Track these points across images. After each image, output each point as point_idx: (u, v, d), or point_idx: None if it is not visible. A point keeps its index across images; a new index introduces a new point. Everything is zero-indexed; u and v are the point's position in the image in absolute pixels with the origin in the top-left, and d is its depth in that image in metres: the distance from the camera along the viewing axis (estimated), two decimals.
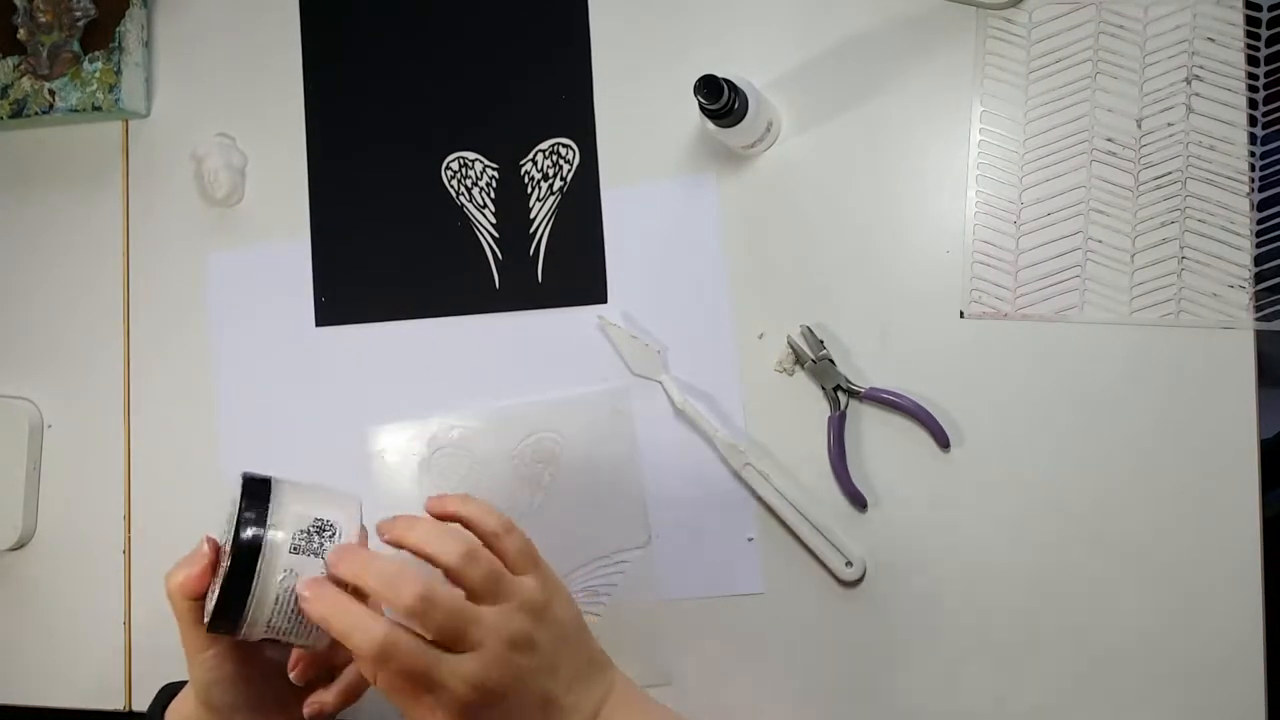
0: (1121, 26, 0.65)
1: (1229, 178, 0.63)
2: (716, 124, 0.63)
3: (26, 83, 0.79)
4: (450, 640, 0.48)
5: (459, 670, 0.48)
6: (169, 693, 0.62)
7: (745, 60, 0.70)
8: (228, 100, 0.79)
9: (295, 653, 0.54)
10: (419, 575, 0.48)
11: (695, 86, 0.60)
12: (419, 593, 0.47)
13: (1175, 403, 0.63)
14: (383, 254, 0.76)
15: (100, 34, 0.79)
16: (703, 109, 0.62)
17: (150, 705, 0.63)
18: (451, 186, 0.75)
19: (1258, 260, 0.63)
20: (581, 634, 0.55)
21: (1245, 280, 0.63)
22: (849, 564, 0.66)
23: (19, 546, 0.80)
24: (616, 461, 0.71)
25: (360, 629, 0.47)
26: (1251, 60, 0.63)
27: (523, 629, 0.50)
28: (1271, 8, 0.63)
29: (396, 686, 0.48)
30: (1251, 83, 0.63)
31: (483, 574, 0.50)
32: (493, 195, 0.74)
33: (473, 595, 0.50)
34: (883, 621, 0.66)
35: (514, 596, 0.51)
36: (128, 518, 0.79)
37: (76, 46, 0.79)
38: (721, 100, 0.60)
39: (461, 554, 0.50)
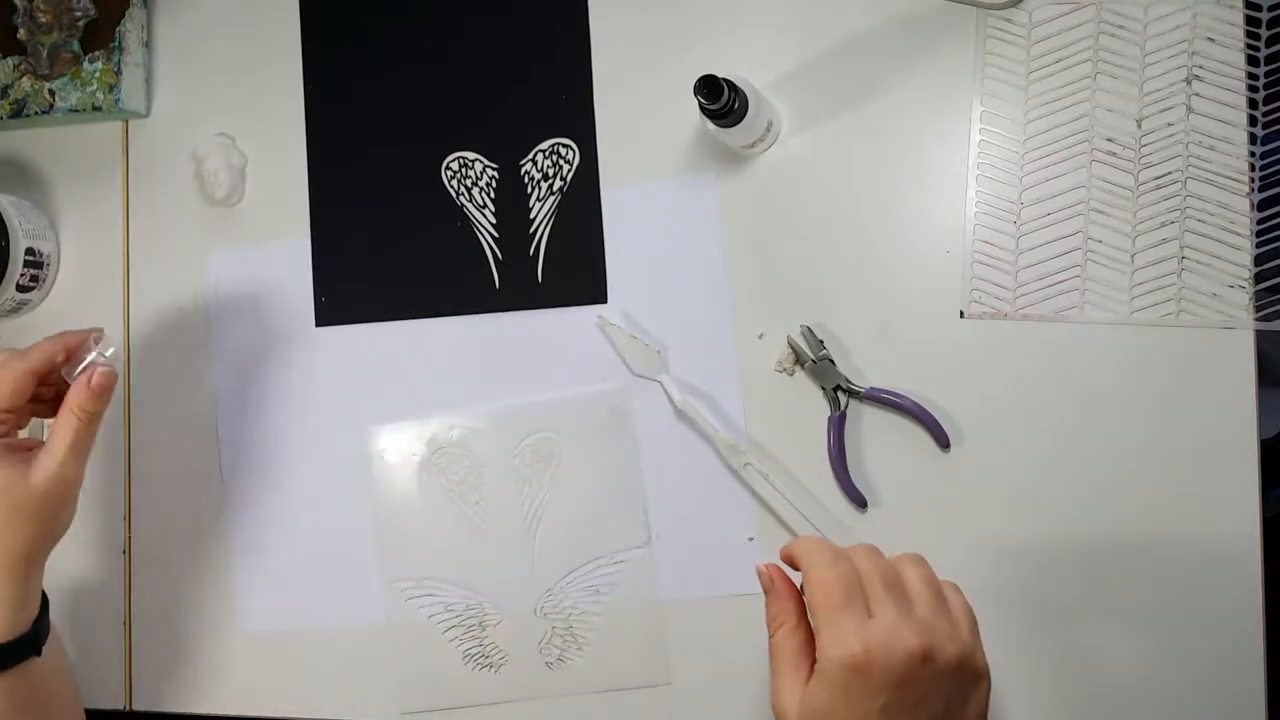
0: (1121, 26, 0.65)
1: (1229, 178, 0.63)
2: (716, 124, 0.63)
3: (26, 83, 0.79)
4: (878, 593, 0.47)
5: (862, 623, 0.45)
6: None
7: (745, 60, 0.70)
8: (228, 100, 0.79)
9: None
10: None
11: (695, 86, 0.60)
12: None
13: (1175, 403, 0.63)
14: (383, 254, 0.76)
15: (100, 34, 0.79)
16: (703, 109, 0.62)
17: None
18: (451, 186, 0.75)
19: (1258, 260, 0.63)
20: None
21: (1245, 280, 0.63)
22: None
23: None
24: (616, 461, 0.71)
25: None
26: (1251, 60, 0.63)
27: (949, 649, 0.46)
28: (1271, 8, 0.63)
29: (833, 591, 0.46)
30: (1251, 83, 0.63)
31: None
32: (493, 195, 0.74)
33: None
34: None
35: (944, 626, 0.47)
36: (128, 518, 0.79)
37: (76, 46, 0.79)
38: (721, 100, 0.60)
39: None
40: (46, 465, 0.59)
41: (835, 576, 0.47)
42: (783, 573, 0.50)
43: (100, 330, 0.63)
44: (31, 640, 0.60)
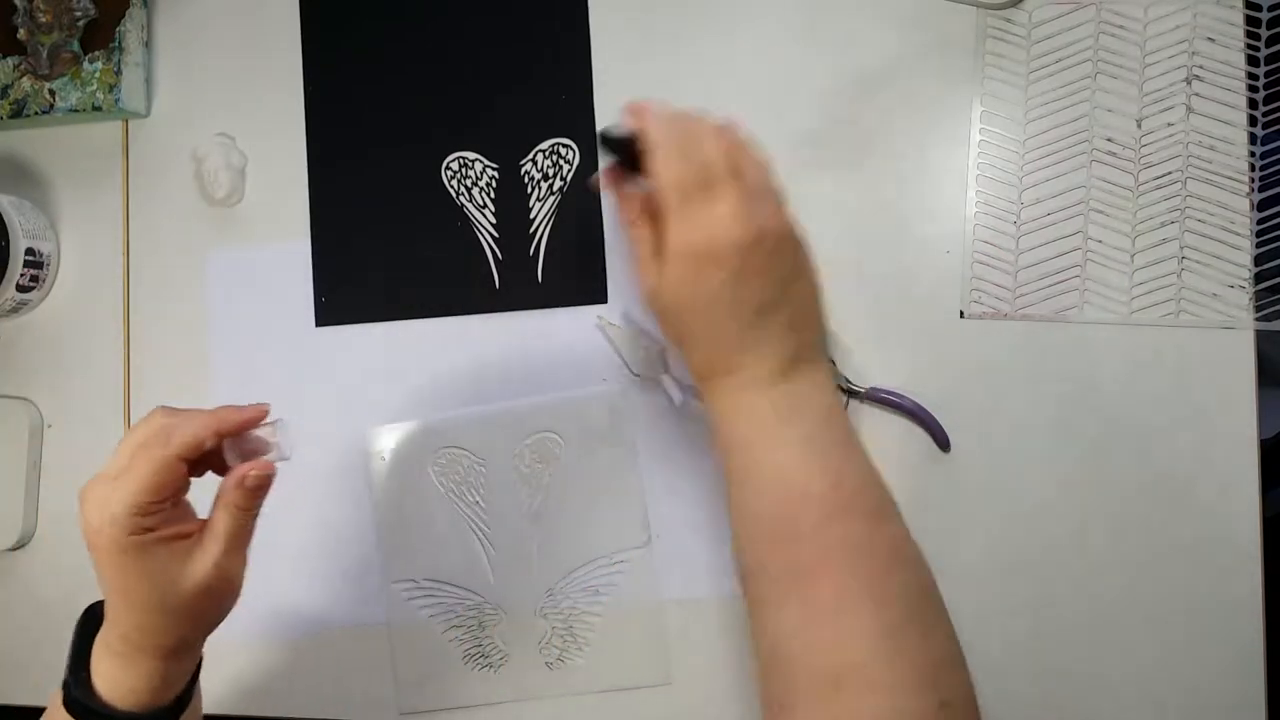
0: (1121, 26, 0.65)
1: (1229, 178, 0.63)
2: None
3: (26, 83, 0.79)
4: (722, 173, 0.52)
5: (711, 210, 0.51)
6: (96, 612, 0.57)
7: (745, 61, 0.70)
8: (228, 100, 0.79)
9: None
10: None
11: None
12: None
13: (1175, 403, 0.63)
14: (383, 254, 0.76)
15: (100, 34, 0.79)
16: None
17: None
18: (451, 186, 0.75)
19: (1258, 260, 0.63)
20: (817, 289, 0.56)
21: (1245, 280, 0.63)
22: None
23: (19, 546, 0.80)
24: (616, 461, 0.71)
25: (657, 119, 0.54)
26: (1251, 60, 0.63)
27: (781, 223, 0.53)
28: (1271, 8, 0.63)
29: (686, 178, 0.52)
30: (1251, 83, 0.63)
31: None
32: (493, 195, 0.74)
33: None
34: None
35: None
36: None
37: (76, 46, 0.79)
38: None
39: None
40: (202, 563, 0.53)
41: (685, 170, 0.52)
42: (620, 176, 0.57)
43: (265, 410, 0.54)
44: (169, 713, 0.55)
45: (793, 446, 0.51)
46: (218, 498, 0.54)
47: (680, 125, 0.54)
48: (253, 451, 0.54)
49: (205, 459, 0.54)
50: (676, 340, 0.55)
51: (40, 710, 0.56)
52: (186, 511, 0.55)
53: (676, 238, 0.51)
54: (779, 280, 0.52)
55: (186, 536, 0.53)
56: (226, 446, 0.53)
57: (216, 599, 0.54)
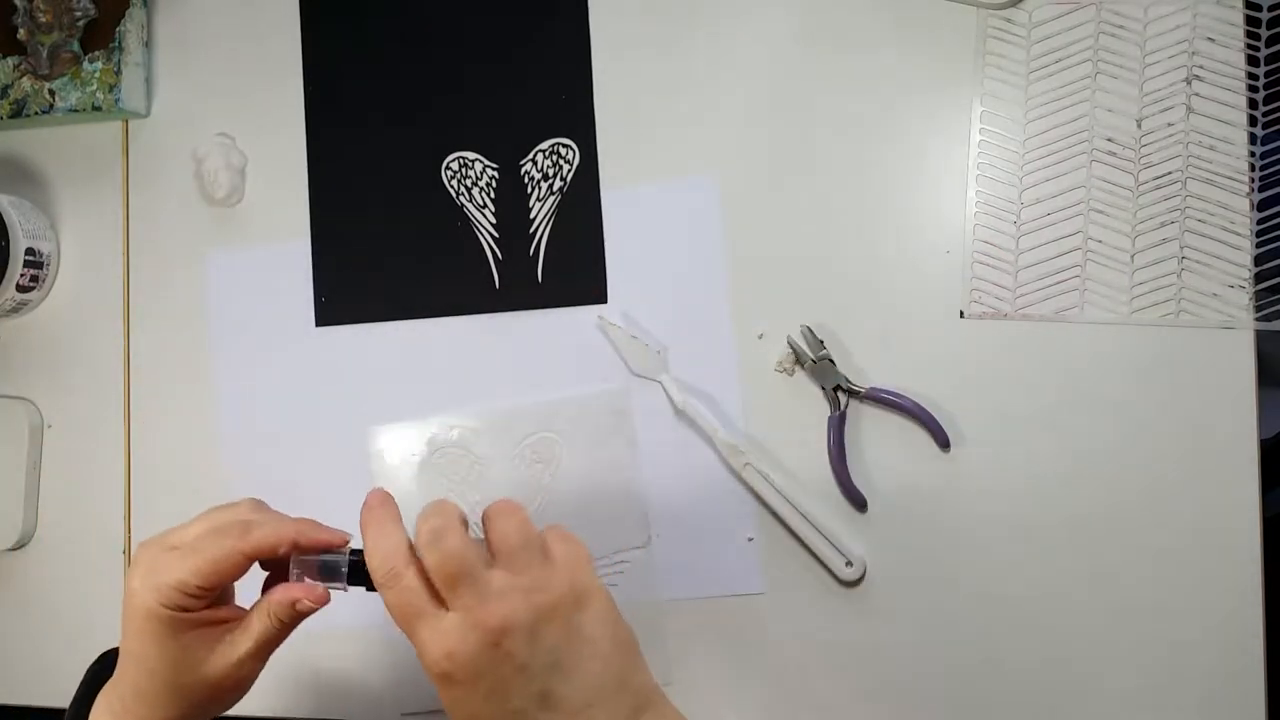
0: (1121, 26, 0.65)
1: (1229, 178, 0.63)
2: None
3: (26, 83, 0.79)
4: (443, 587, 0.47)
5: (437, 626, 0.47)
6: (108, 659, 0.56)
7: (745, 60, 0.70)
8: (228, 100, 0.79)
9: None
10: (453, 511, 0.48)
11: None
12: (434, 525, 0.47)
13: (1175, 403, 0.63)
14: (382, 254, 0.76)
15: (100, 34, 0.79)
16: None
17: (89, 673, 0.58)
18: (451, 186, 0.75)
19: (1258, 260, 0.63)
20: (620, 653, 0.51)
21: (1245, 280, 0.63)
22: (849, 564, 0.66)
23: (19, 546, 0.80)
24: (616, 462, 0.71)
25: (379, 548, 0.48)
26: (1251, 60, 0.63)
27: (522, 614, 0.47)
28: (1271, 8, 0.63)
29: (395, 611, 0.48)
30: (1251, 83, 0.63)
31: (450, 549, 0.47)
32: (493, 195, 0.74)
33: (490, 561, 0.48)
34: (883, 621, 0.66)
35: (522, 576, 0.48)
36: (128, 518, 0.79)
37: (76, 46, 0.79)
38: None
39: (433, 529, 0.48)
40: (224, 657, 0.51)
41: (396, 598, 0.48)
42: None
43: (346, 537, 0.53)
44: None
45: None
46: (263, 602, 0.52)
47: (390, 545, 0.49)
48: (314, 569, 0.52)
49: (268, 560, 0.53)
50: None
51: (41, 710, 0.56)
52: (227, 595, 0.54)
53: (422, 658, 0.47)
54: (549, 664, 0.47)
55: (219, 623, 0.52)
56: (294, 559, 0.52)
57: (225, 692, 0.53)
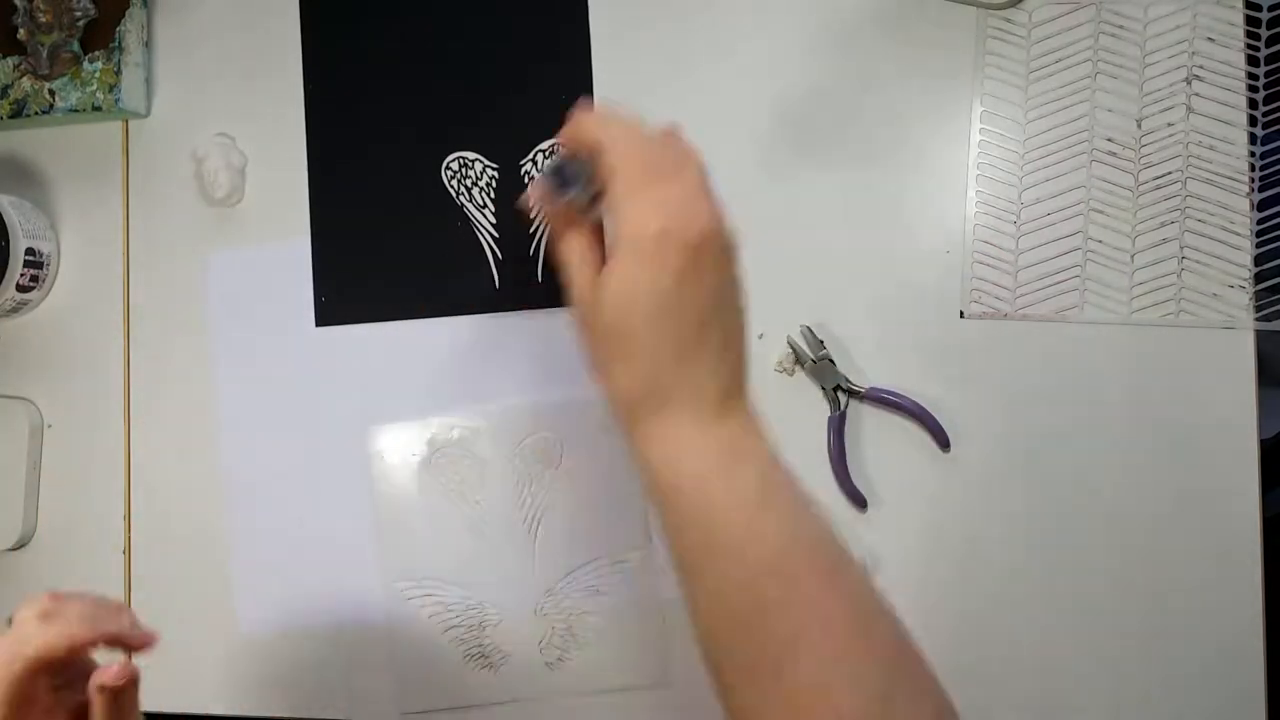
0: (1121, 26, 0.65)
1: (1229, 178, 0.63)
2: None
3: (26, 83, 0.79)
4: (677, 153, 0.51)
5: (668, 189, 0.48)
6: None
7: (745, 60, 0.70)
8: (228, 100, 0.79)
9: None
10: None
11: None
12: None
13: (1175, 403, 0.63)
14: (383, 254, 0.76)
15: (100, 34, 0.79)
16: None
17: None
18: (451, 186, 0.75)
19: (1258, 260, 0.63)
20: (738, 304, 0.52)
21: (1245, 280, 0.63)
22: None
23: (19, 546, 0.80)
24: (617, 462, 0.71)
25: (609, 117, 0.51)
26: (1251, 60, 0.63)
27: (723, 225, 0.49)
28: (1271, 8, 0.63)
29: (629, 159, 0.49)
30: (1251, 83, 0.63)
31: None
32: (493, 195, 0.74)
33: None
34: None
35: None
36: (128, 518, 0.79)
37: (76, 46, 0.79)
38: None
39: None
40: None
41: (639, 153, 0.49)
42: (550, 192, 0.52)
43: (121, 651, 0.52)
44: None
45: (749, 498, 0.47)
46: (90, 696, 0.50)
47: (629, 123, 0.51)
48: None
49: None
50: (608, 361, 0.49)
51: None
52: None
53: (629, 225, 0.48)
54: (719, 290, 0.49)
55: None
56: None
57: None
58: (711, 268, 0.48)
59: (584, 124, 0.51)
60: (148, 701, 0.68)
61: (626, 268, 0.48)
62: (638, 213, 0.48)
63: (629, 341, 0.48)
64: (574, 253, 0.52)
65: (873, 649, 0.45)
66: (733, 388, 0.50)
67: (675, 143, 0.51)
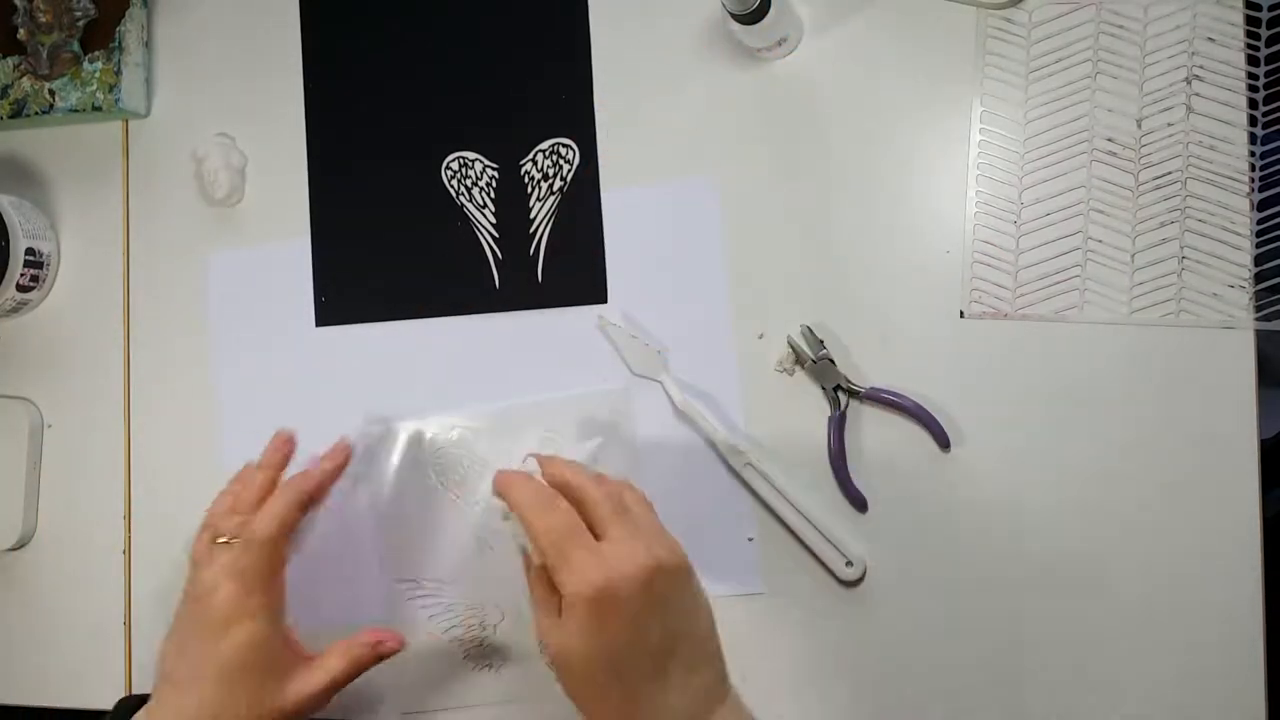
0: (1121, 26, 0.65)
1: (1229, 178, 0.63)
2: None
3: (26, 83, 0.79)
4: (610, 514, 0.53)
5: (595, 550, 0.51)
6: (131, 705, 0.62)
7: (745, 60, 0.70)
8: (228, 100, 0.79)
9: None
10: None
11: None
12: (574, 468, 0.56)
13: (1175, 403, 0.63)
14: (383, 254, 0.76)
15: (100, 34, 0.79)
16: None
17: (111, 716, 0.63)
18: (451, 186, 0.75)
19: (1258, 260, 0.63)
20: (713, 628, 0.55)
21: (1245, 280, 0.63)
22: (849, 564, 0.66)
23: (19, 546, 0.80)
24: (616, 462, 0.71)
25: (530, 484, 0.55)
26: (1251, 60, 0.63)
27: (671, 559, 0.53)
28: (1271, 8, 0.63)
29: (551, 533, 0.53)
30: (1251, 83, 0.63)
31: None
32: (493, 195, 0.74)
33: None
34: (883, 621, 0.66)
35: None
36: (128, 518, 0.79)
37: (76, 46, 0.79)
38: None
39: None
40: (300, 691, 0.60)
41: (553, 520, 0.52)
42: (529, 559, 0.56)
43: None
44: None
45: None
46: (343, 643, 0.62)
47: (537, 485, 0.55)
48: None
49: None
50: (576, 699, 0.52)
51: (41, 710, 0.56)
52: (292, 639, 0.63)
53: (569, 586, 0.50)
54: (670, 623, 0.51)
55: (296, 657, 0.61)
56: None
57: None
58: (659, 606, 0.51)
59: (500, 483, 0.56)
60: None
61: (568, 631, 0.51)
62: (569, 578, 0.51)
63: (589, 686, 0.51)
64: (535, 597, 0.55)
65: None
66: (710, 702, 0.52)
67: (606, 486, 0.54)
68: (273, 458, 0.67)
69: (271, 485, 0.65)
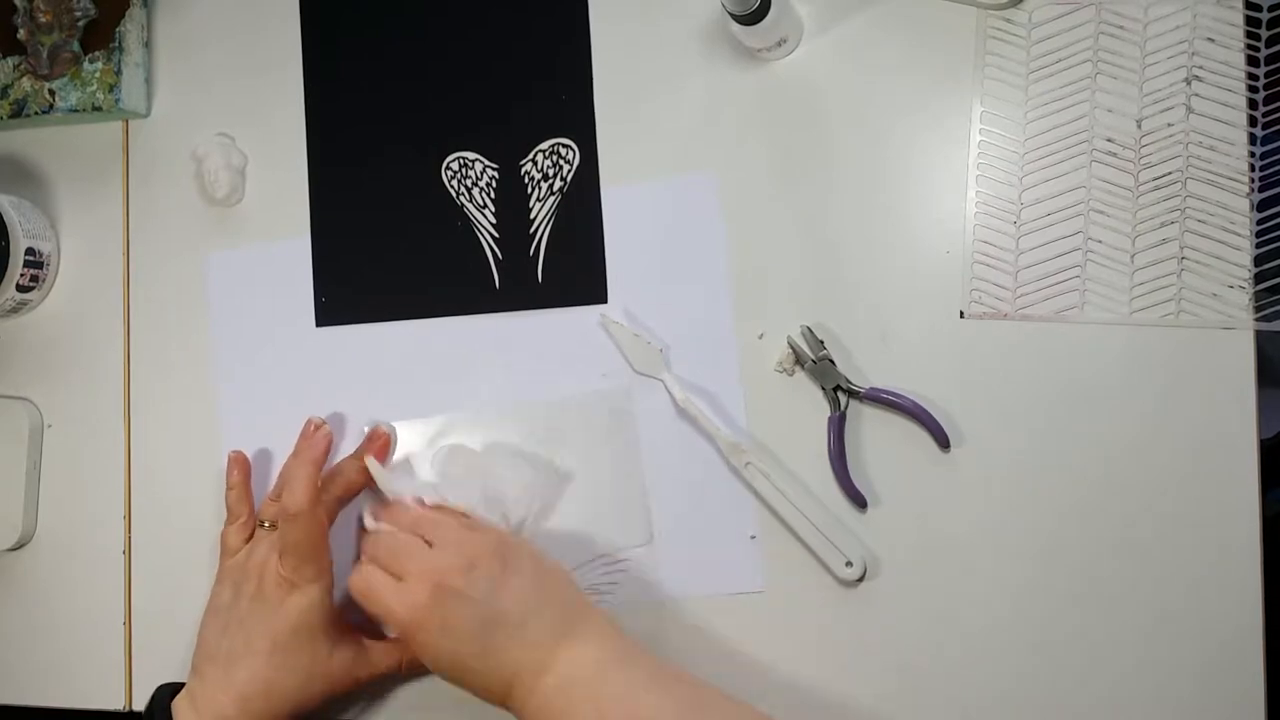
0: (1121, 26, 0.65)
1: (1229, 178, 0.63)
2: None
3: (26, 83, 0.79)
4: (393, 565, 0.62)
5: (396, 591, 0.61)
6: (168, 691, 0.65)
7: (744, 60, 0.70)
8: (228, 100, 0.79)
9: None
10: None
11: None
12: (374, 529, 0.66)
13: (1175, 403, 0.63)
14: (383, 254, 0.76)
15: (100, 34, 0.79)
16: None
17: (150, 704, 0.65)
18: (451, 186, 0.75)
19: (1258, 260, 0.63)
20: (549, 576, 0.62)
21: (1245, 280, 0.63)
22: (849, 564, 0.66)
23: (19, 546, 0.80)
24: (618, 460, 0.71)
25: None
26: (1251, 60, 0.63)
27: (454, 559, 0.60)
28: (1271, 8, 0.63)
29: (362, 594, 0.62)
30: (1251, 83, 0.63)
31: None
32: (493, 195, 0.74)
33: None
34: (883, 621, 0.66)
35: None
36: (128, 518, 0.79)
37: (76, 46, 0.79)
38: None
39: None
40: (359, 670, 0.68)
41: (360, 582, 0.62)
42: None
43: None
44: None
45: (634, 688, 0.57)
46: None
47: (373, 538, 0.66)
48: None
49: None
50: (453, 682, 0.61)
51: (41, 710, 0.57)
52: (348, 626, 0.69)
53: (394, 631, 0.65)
54: (484, 604, 0.58)
55: (356, 636, 0.69)
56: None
57: (336, 697, 0.67)
58: (458, 609, 0.58)
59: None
60: (145, 702, 0.68)
61: (414, 645, 0.61)
62: (389, 615, 0.61)
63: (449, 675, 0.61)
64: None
65: None
66: (550, 649, 0.58)
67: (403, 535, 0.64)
68: (299, 445, 0.72)
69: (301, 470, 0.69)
